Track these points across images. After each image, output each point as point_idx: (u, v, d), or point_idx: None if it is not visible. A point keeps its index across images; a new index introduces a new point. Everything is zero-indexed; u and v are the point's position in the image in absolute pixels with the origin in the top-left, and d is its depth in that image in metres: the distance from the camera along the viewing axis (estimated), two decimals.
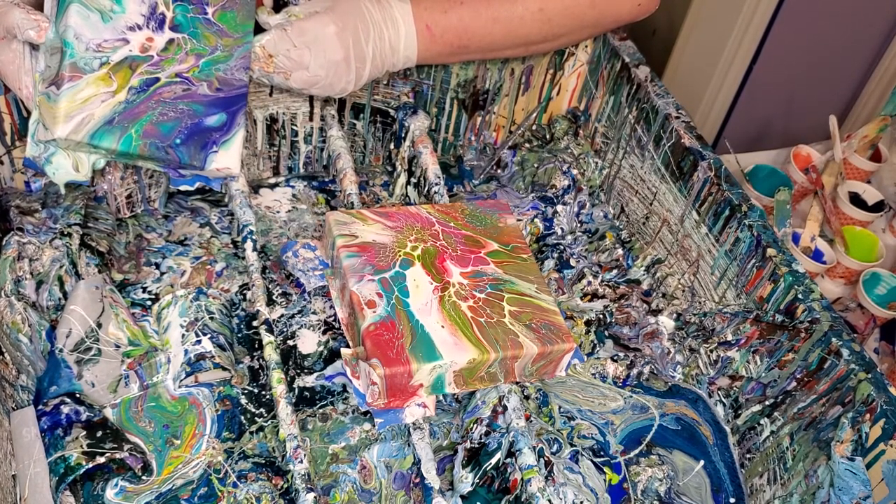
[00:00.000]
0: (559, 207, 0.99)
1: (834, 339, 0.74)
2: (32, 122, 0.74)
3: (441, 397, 0.79)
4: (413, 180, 0.96)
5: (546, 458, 0.75)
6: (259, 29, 0.80)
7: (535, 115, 1.05)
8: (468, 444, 0.75)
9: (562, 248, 0.96)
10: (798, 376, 0.77)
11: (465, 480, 0.73)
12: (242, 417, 0.76)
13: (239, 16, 0.78)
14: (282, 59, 0.79)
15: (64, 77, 0.70)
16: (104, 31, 0.72)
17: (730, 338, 0.83)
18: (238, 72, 0.79)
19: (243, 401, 0.77)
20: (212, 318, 0.79)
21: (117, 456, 0.69)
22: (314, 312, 0.85)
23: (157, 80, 0.75)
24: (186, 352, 0.77)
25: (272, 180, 0.98)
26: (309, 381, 0.80)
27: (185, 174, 0.81)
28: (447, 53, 0.86)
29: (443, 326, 0.74)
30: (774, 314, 0.80)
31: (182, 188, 0.83)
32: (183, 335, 0.78)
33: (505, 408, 0.75)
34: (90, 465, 0.68)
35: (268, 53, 0.78)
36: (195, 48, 0.77)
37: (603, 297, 0.92)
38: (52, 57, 0.71)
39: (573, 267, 0.95)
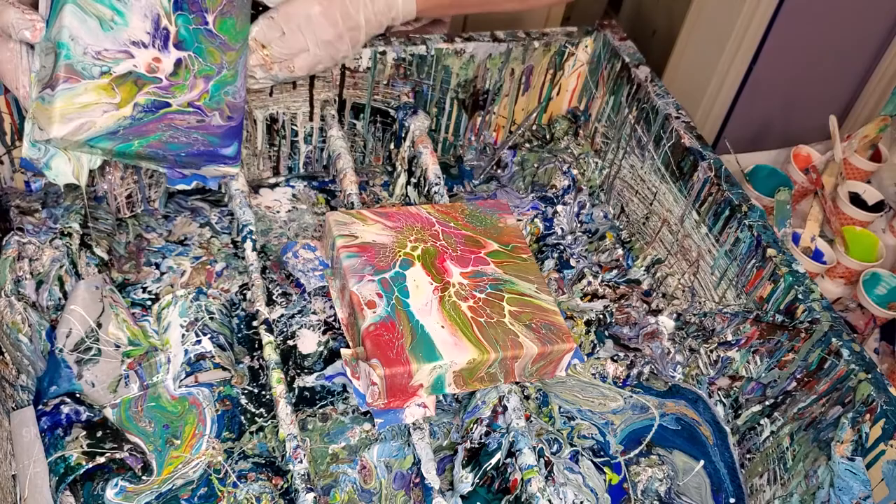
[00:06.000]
0: (559, 207, 0.99)
1: (834, 340, 0.74)
2: (28, 125, 0.73)
3: (441, 397, 0.79)
4: (413, 180, 0.96)
5: (546, 458, 0.75)
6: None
7: (535, 115, 1.05)
8: (468, 444, 0.75)
9: (562, 248, 0.96)
10: (798, 376, 0.77)
11: (465, 480, 0.73)
12: (242, 417, 0.76)
13: (238, 22, 0.78)
14: (275, 48, 0.78)
15: (59, 78, 0.69)
16: (104, 39, 0.71)
17: (730, 338, 0.83)
18: (243, 89, 0.79)
19: (243, 401, 0.77)
20: (212, 318, 0.79)
21: (117, 456, 0.69)
22: (314, 312, 0.85)
23: (168, 104, 0.75)
24: (186, 352, 0.77)
25: (272, 180, 0.98)
26: (309, 381, 0.80)
27: (184, 173, 0.81)
28: (446, 4, 0.87)
29: (443, 327, 0.74)
30: (774, 314, 0.80)
31: (180, 187, 0.83)
32: (183, 335, 0.78)
33: (505, 408, 0.75)
34: (90, 465, 0.68)
35: (260, 44, 0.78)
36: (202, 69, 0.76)
37: (603, 297, 0.92)
38: (47, 57, 0.71)
39: (573, 267, 0.95)
